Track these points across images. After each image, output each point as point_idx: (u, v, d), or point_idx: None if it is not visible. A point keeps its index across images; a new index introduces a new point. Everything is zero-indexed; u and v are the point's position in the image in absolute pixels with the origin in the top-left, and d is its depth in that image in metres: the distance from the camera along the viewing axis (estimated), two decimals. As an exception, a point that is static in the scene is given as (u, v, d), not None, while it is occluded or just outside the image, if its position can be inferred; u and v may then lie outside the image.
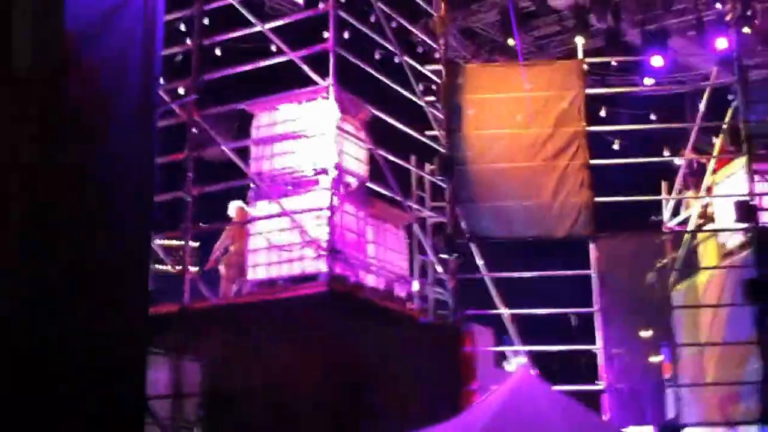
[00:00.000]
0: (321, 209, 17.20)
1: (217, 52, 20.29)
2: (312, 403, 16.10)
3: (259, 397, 16.29)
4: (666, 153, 23.26)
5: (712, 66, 22.20)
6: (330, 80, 17.67)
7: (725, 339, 20.56)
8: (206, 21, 20.13)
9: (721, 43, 20.95)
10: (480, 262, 21.74)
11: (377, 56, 20.03)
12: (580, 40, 22.28)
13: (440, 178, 21.83)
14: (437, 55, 22.71)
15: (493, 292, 21.74)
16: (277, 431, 16.12)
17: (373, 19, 20.04)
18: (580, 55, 22.32)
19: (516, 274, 21.52)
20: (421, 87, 21.63)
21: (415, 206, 20.73)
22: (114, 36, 11.09)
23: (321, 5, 18.94)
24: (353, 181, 18.51)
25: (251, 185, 18.60)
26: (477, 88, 22.49)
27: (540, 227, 21.44)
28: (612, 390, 19.88)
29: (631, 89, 22.66)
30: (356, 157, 18.69)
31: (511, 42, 22.62)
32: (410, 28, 22.13)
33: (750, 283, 19.16)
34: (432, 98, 22.22)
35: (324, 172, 17.49)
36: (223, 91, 19.82)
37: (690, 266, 22.55)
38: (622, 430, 18.65)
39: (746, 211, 19.78)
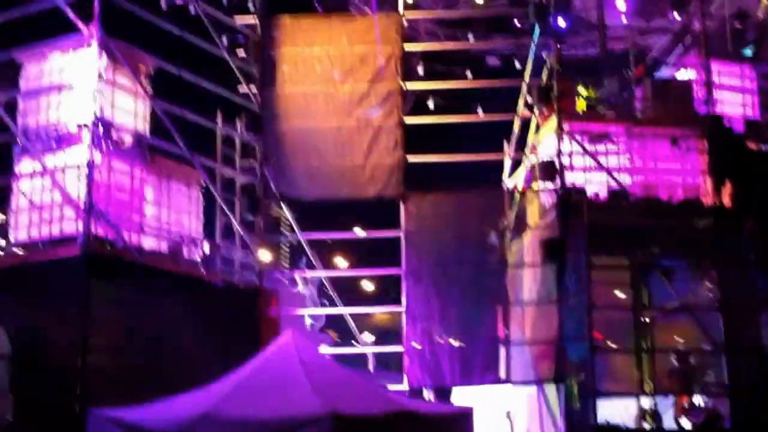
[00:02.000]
0: (80, 166, 16.10)
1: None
2: (58, 369, 15.20)
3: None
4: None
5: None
6: (92, 28, 16.54)
7: (539, 299, 19.95)
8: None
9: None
10: (292, 223, 20.83)
11: (163, 5, 18.73)
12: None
13: (249, 136, 20.77)
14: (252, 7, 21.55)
15: (309, 253, 20.92)
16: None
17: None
18: (400, 9, 21.39)
19: (323, 236, 20.68)
20: (225, 40, 20.43)
21: (213, 165, 19.67)
22: None
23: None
24: (128, 138, 17.36)
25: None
26: (293, 41, 21.49)
27: (351, 188, 20.64)
28: (411, 351, 19.16)
29: (456, 46, 21.62)
30: (132, 111, 17.56)
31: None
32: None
33: (545, 242, 18.52)
34: (241, 53, 21.00)
35: (87, 126, 16.37)
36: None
37: (520, 226, 21.86)
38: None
39: (550, 171, 19.06)
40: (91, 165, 15.99)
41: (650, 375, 19.63)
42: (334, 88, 20.99)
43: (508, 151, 22.42)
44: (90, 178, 15.94)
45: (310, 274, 20.79)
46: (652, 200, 19.68)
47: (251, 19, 21.49)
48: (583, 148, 19.42)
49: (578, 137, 19.56)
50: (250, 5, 21.48)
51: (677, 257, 19.64)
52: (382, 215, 20.66)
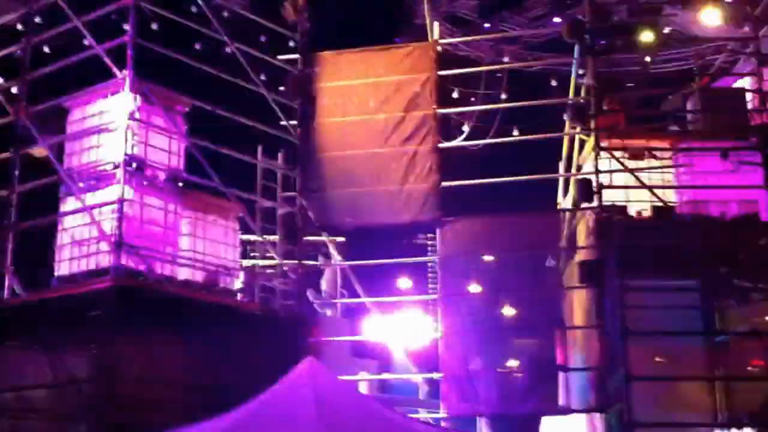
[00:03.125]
0: (114, 203, 17.02)
1: (46, 49, 20.23)
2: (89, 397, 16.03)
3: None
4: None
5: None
6: (126, 72, 17.55)
7: (583, 323, 19.76)
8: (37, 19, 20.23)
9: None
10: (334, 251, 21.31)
11: (198, 47, 19.66)
12: (434, 25, 21.69)
13: (289, 168, 21.41)
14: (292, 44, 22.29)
15: (354, 281, 21.32)
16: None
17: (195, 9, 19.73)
18: (435, 36, 21.72)
19: (361, 262, 21.03)
20: (263, 77, 21.20)
21: (253, 197, 20.36)
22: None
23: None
24: (161, 175, 18.24)
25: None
26: (332, 76, 22.02)
27: (388, 214, 20.86)
28: (448, 378, 19.25)
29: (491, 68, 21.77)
30: (166, 149, 18.44)
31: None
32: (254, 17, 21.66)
33: (581, 264, 18.37)
34: (282, 89, 21.75)
35: (121, 165, 17.32)
36: (52, 88, 19.79)
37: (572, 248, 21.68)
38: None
39: (586, 190, 18.94)
40: (121, 202, 16.89)
41: (725, 404, 19.12)
42: (370, 117, 21.39)
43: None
44: (120, 214, 16.82)
45: (349, 300, 21.13)
46: (701, 217, 19.30)
47: (292, 56, 22.16)
48: (623, 165, 19.25)
49: (618, 154, 19.43)
50: (291, 43, 22.19)
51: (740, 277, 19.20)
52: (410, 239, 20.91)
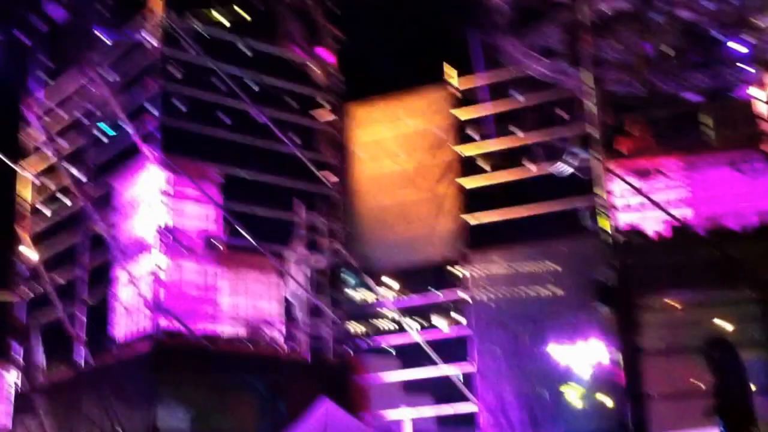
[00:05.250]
0: (155, 272, 18.78)
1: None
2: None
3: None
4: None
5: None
6: (152, 152, 19.42)
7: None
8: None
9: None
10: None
11: (228, 120, 21.25)
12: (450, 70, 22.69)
13: (328, 221, 22.70)
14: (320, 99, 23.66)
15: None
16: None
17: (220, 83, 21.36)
18: (451, 79, 22.65)
19: (400, 304, 22.03)
20: (293, 136, 22.61)
21: (291, 252, 21.68)
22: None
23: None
24: (198, 241, 19.87)
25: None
26: (362, 126, 23.36)
27: (420, 255, 21.89)
28: (483, 410, 19.94)
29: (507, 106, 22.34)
30: (200, 216, 20.09)
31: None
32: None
33: (593, 285, 18.75)
34: (315, 149, 23.14)
35: (160, 235, 19.10)
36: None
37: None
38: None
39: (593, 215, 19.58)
40: (155, 269, 18.62)
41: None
42: (399, 164, 22.53)
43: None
44: (155, 281, 18.54)
45: (393, 340, 22.14)
46: (720, 230, 19.36)
47: (326, 114, 23.58)
48: (633, 187, 19.58)
49: (629, 176, 19.78)
50: (322, 101, 23.63)
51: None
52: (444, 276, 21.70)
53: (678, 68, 21.55)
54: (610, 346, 18.59)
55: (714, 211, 19.32)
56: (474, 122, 22.20)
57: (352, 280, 22.95)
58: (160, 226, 19.07)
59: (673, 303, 19.02)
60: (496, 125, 22.02)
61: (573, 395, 19.25)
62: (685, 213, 19.47)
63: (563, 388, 19.37)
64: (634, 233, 19.35)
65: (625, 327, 18.28)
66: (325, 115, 23.63)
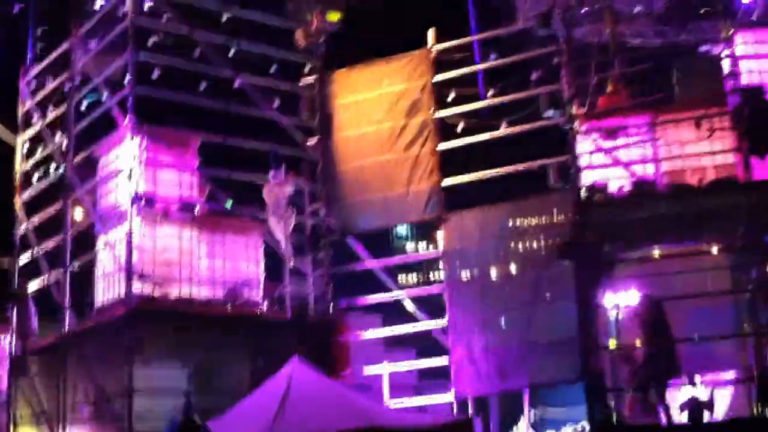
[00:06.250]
0: (128, 237, 19.50)
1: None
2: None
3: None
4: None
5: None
6: (128, 119, 20.04)
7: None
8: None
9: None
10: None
11: (205, 85, 21.77)
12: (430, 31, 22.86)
13: (310, 183, 23.21)
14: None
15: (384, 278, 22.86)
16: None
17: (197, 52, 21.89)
18: (429, 43, 22.85)
19: (377, 263, 22.53)
20: (277, 102, 23.09)
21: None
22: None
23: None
24: (174, 206, 20.49)
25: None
26: (345, 92, 23.69)
27: (396, 215, 22.41)
28: (455, 363, 20.50)
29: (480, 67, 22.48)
30: (177, 183, 20.69)
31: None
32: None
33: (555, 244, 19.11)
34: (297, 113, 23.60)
35: (134, 202, 19.78)
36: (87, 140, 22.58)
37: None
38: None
39: (563, 172, 19.84)
40: (129, 235, 19.35)
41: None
42: (378, 126, 22.89)
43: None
44: (129, 246, 19.27)
45: (371, 298, 22.71)
46: (681, 185, 19.52)
47: (308, 79, 23.99)
48: (599, 145, 19.76)
49: (596, 135, 19.94)
50: (307, 68, 24.01)
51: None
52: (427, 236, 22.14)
53: (649, 23, 21.64)
54: (573, 301, 18.92)
55: (675, 167, 19.48)
56: (452, 84, 22.48)
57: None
58: (136, 193, 19.68)
59: (637, 256, 19.42)
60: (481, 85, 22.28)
61: (539, 348, 19.70)
62: (648, 170, 19.67)
63: (530, 341, 19.83)
64: (599, 190, 19.55)
65: (585, 281, 18.62)
66: (307, 80, 24.04)
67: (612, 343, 18.50)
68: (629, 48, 20.71)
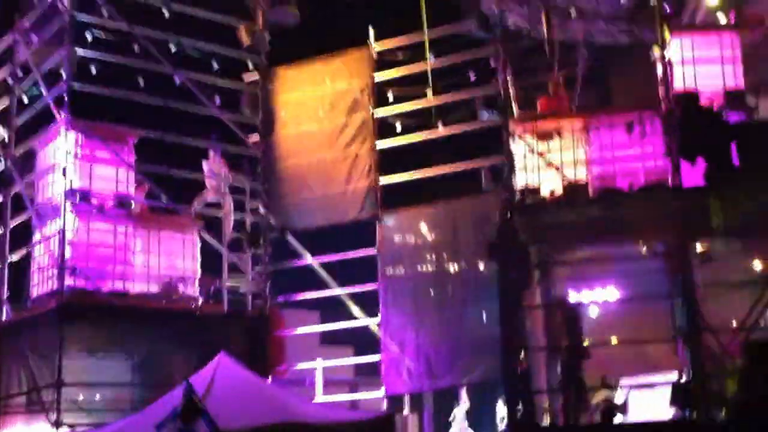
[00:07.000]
0: (60, 232, 19.56)
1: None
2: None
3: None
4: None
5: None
6: (63, 115, 20.08)
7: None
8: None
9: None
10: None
11: (143, 82, 21.82)
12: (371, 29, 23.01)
13: (251, 180, 23.32)
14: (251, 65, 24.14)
15: (323, 274, 23.03)
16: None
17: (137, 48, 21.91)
18: (371, 41, 22.99)
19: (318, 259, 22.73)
20: (218, 99, 23.17)
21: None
22: None
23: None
24: (109, 202, 20.53)
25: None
26: (288, 89, 23.85)
27: (334, 213, 22.56)
28: (386, 360, 20.73)
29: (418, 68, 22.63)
30: (113, 178, 20.74)
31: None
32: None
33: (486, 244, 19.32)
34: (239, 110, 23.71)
35: (68, 197, 19.83)
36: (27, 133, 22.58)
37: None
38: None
39: (495, 175, 20.09)
40: (62, 230, 19.42)
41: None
42: (319, 124, 23.05)
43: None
44: (62, 241, 19.35)
45: (309, 295, 22.91)
46: (610, 190, 19.77)
47: (251, 76, 24.08)
48: (532, 148, 19.98)
49: (531, 137, 20.16)
50: (250, 64, 24.09)
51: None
52: (367, 235, 22.29)
53: (583, 23, 21.84)
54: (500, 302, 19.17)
55: (607, 171, 19.73)
56: (392, 84, 22.65)
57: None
58: (70, 188, 19.73)
59: (565, 259, 19.70)
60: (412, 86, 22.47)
61: (468, 347, 19.97)
62: (580, 173, 19.90)
63: (460, 340, 20.09)
64: (530, 192, 19.79)
65: (511, 282, 18.88)
66: (250, 77, 24.14)
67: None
68: (570, 48, 20.92)
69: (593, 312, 19.38)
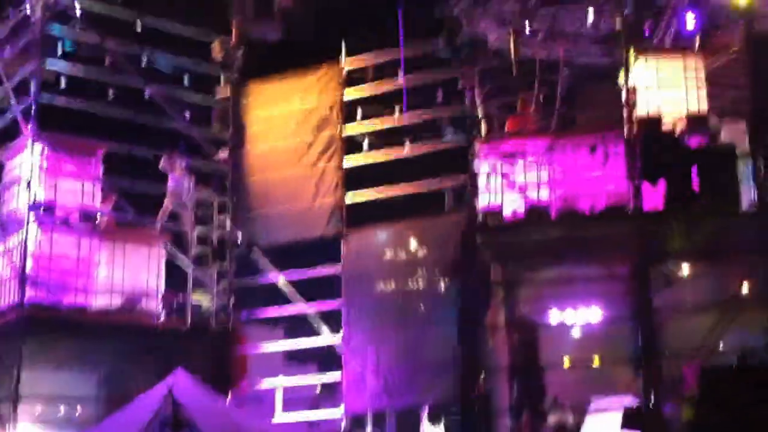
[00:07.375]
0: (22, 244, 19.59)
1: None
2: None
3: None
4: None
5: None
6: (29, 127, 20.15)
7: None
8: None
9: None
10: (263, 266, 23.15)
11: (111, 95, 21.93)
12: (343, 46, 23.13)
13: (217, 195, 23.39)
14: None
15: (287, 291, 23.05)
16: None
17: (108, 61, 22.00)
18: (342, 58, 23.12)
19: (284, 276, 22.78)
20: (188, 114, 23.26)
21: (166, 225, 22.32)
22: None
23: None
24: (74, 215, 20.55)
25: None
26: (259, 105, 23.95)
27: (299, 230, 22.58)
28: (347, 379, 20.77)
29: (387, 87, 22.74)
30: (78, 191, 20.76)
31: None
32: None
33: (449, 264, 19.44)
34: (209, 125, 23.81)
35: (31, 209, 19.87)
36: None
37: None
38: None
39: (459, 196, 20.21)
40: (24, 242, 19.46)
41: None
42: (288, 140, 23.14)
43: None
44: (24, 253, 19.38)
45: (274, 312, 22.95)
46: (571, 211, 19.89)
47: (223, 91, 24.18)
48: (495, 169, 20.12)
49: (494, 157, 20.30)
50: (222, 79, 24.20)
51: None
52: (332, 252, 22.33)
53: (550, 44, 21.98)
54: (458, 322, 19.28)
55: (569, 192, 19.86)
56: (361, 101, 22.77)
57: None
58: (34, 201, 19.77)
59: (528, 279, 19.85)
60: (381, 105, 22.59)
61: (427, 368, 20.02)
62: (542, 195, 20.03)
63: (419, 361, 20.15)
64: (492, 213, 19.92)
65: (468, 302, 19.01)
66: (221, 92, 24.23)
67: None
68: (550, 67, 21.05)
69: (554, 332, 19.53)
